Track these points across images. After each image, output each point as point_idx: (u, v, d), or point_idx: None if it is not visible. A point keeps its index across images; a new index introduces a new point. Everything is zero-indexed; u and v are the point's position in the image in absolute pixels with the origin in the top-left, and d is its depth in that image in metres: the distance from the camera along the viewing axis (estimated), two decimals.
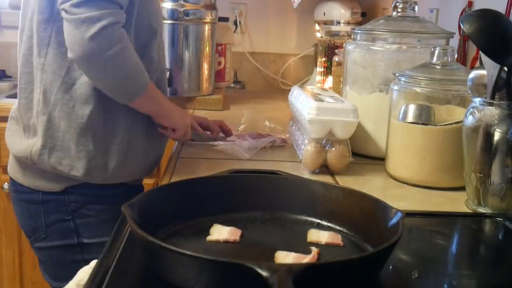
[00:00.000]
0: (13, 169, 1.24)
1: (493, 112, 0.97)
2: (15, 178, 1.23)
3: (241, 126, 1.57)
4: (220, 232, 0.80)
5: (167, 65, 1.86)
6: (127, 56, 1.07)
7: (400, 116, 1.15)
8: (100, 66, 1.06)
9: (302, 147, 1.22)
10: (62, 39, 1.09)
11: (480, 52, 0.98)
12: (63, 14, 1.04)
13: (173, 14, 1.86)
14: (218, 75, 2.15)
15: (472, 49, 1.48)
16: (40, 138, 1.15)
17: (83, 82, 1.13)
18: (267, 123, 1.60)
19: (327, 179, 1.16)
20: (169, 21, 1.86)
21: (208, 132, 1.43)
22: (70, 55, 1.06)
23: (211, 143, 1.38)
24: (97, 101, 1.14)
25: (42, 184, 1.19)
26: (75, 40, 1.02)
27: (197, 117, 1.45)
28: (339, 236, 0.81)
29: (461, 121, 1.03)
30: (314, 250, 0.76)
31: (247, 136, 1.43)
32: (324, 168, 1.21)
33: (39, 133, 1.15)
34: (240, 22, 2.53)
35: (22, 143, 1.19)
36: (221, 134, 1.45)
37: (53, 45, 1.13)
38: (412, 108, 1.14)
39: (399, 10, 1.31)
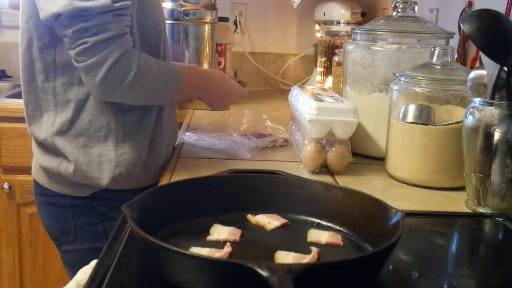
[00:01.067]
0: (38, 174, 1.25)
1: (493, 112, 0.97)
2: (41, 183, 1.24)
3: (244, 126, 1.57)
4: (220, 232, 0.80)
5: None
6: (142, 78, 1.09)
7: (400, 116, 1.15)
8: (121, 97, 1.11)
9: (302, 147, 1.22)
10: (66, 60, 1.12)
11: (480, 52, 0.98)
12: (73, 61, 1.08)
13: (173, 14, 1.86)
14: None
15: (472, 49, 1.48)
16: (63, 158, 1.18)
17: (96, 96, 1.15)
18: (268, 122, 1.60)
19: (327, 179, 1.16)
20: (169, 21, 1.86)
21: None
22: (92, 94, 1.13)
23: (213, 142, 1.38)
24: (113, 112, 1.16)
25: (69, 190, 1.20)
26: (89, 84, 1.09)
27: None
28: (339, 236, 0.81)
29: (461, 121, 1.03)
30: (314, 250, 0.76)
31: (250, 135, 1.43)
32: (324, 168, 1.21)
33: (61, 153, 1.17)
34: (240, 22, 2.53)
35: (48, 161, 1.20)
36: (224, 134, 1.45)
37: (59, 68, 1.14)
38: (412, 108, 1.14)
39: (399, 10, 1.31)
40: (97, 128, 1.16)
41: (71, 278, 1.25)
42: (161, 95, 1.17)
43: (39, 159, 1.23)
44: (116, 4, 1.05)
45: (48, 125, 1.18)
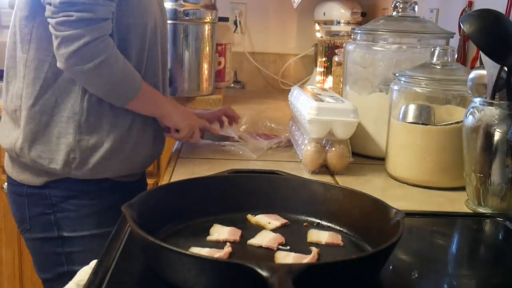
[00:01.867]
0: (6, 162, 1.29)
1: (493, 112, 0.97)
2: (7, 172, 1.28)
3: (242, 127, 1.57)
4: (220, 232, 0.80)
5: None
6: (110, 66, 1.10)
7: (400, 116, 1.15)
8: (84, 77, 1.12)
9: (302, 147, 1.22)
10: (43, 35, 1.13)
11: (480, 52, 0.98)
12: (50, 28, 1.09)
13: (173, 14, 1.86)
14: (218, 75, 2.15)
15: (472, 49, 1.48)
16: (22, 132, 1.18)
17: (65, 78, 1.15)
18: (267, 123, 1.60)
19: (327, 179, 1.16)
20: (169, 21, 1.86)
21: (219, 129, 1.44)
22: (58, 64, 1.11)
23: (217, 143, 1.38)
24: (80, 96, 1.16)
25: (26, 178, 1.22)
26: (60, 54, 1.09)
27: (199, 113, 1.44)
28: (339, 236, 0.81)
29: (461, 121, 1.03)
30: (314, 250, 0.76)
31: (255, 135, 1.43)
32: (324, 168, 1.21)
33: (21, 127, 1.18)
34: (240, 22, 2.53)
35: (9, 135, 1.22)
36: (231, 134, 1.45)
37: (34, 41, 1.16)
38: (412, 108, 1.14)
39: (399, 10, 1.31)
40: (61, 109, 1.16)
41: (34, 265, 1.31)
42: (119, 92, 1.15)
43: (2, 141, 1.25)
44: None
45: (16, 96, 1.19)
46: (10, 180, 1.27)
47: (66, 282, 1.09)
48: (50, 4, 1.08)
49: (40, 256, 1.28)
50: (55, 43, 1.09)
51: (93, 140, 1.18)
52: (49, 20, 1.09)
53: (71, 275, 1.11)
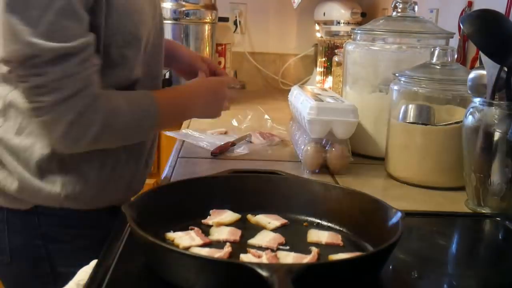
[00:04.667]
0: None
1: (493, 112, 0.97)
2: None
3: (244, 125, 1.57)
4: (220, 232, 0.80)
5: None
6: (111, 125, 0.93)
7: (400, 116, 1.15)
8: (90, 148, 0.95)
9: (302, 147, 1.22)
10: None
11: (480, 52, 0.98)
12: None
13: (173, 14, 1.86)
14: None
15: (472, 49, 1.48)
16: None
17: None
18: (270, 122, 1.61)
19: (327, 179, 1.16)
20: (169, 21, 1.86)
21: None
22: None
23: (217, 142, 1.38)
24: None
25: (5, 201, 1.00)
26: (49, 138, 0.94)
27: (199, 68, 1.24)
28: (339, 236, 0.81)
29: (461, 121, 1.03)
30: (314, 250, 0.76)
31: (258, 134, 1.45)
32: (324, 168, 1.21)
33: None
34: (240, 22, 2.53)
35: None
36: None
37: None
38: (412, 108, 1.13)
39: (399, 10, 1.31)
40: (41, 145, 0.97)
41: None
42: (138, 133, 1.00)
43: None
44: (74, 45, 0.87)
45: None
46: None
47: None
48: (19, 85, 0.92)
49: None
50: (40, 128, 0.94)
51: (84, 174, 0.99)
52: (25, 104, 0.93)
53: None
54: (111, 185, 1.03)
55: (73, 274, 0.88)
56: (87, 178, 0.99)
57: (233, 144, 1.38)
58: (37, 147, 0.96)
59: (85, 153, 0.96)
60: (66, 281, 0.87)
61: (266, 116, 1.67)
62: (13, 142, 0.97)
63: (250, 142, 1.44)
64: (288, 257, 0.74)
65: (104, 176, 1.01)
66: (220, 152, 1.32)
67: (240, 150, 1.36)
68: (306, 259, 0.73)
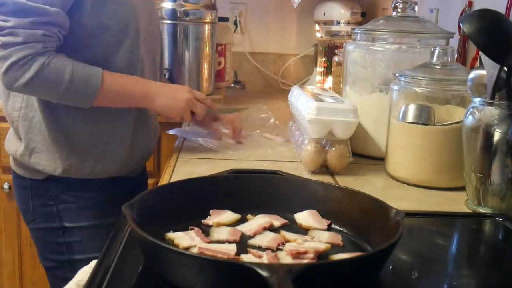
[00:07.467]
0: (11, 159, 1.34)
1: (493, 112, 0.97)
2: (12, 166, 1.33)
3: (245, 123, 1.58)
4: (220, 232, 0.80)
5: (167, 65, 1.86)
6: (44, 79, 1.12)
7: (400, 116, 1.15)
8: (24, 92, 1.17)
9: (302, 147, 1.22)
10: None
11: (480, 52, 0.98)
12: None
13: (173, 14, 1.86)
14: (218, 75, 2.15)
15: (472, 49, 1.48)
16: (23, 142, 1.24)
17: None
18: (272, 120, 1.61)
19: (327, 179, 1.16)
20: (169, 21, 1.86)
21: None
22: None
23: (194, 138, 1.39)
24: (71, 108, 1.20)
25: (27, 173, 1.28)
26: None
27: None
28: (339, 236, 0.81)
29: (461, 121, 1.03)
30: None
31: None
32: (324, 168, 1.21)
33: (22, 138, 1.24)
34: (240, 22, 2.53)
35: (11, 141, 1.29)
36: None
37: None
38: (412, 108, 1.13)
39: (399, 10, 1.31)
40: (50, 122, 1.21)
41: (37, 253, 1.36)
42: (74, 96, 1.16)
43: (6, 146, 1.32)
44: (30, 4, 1.08)
45: (14, 109, 1.24)
46: (14, 174, 1.33)
47: (67, 271, 1.25)
48: None
49: (43, 245, 1.33)
50: None
51: (86, 146, 1.24)
52: None
53: (71, 263, 1.28)
54: (107, 159, 1.26)
55: (76, 228, 1.27)
56: (87, 153, 1.23)
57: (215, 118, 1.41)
58: (45, 125, 1.21)
59: (86, 132, 1.22)
60: (72, 235, 1.28)
61: (269, 113, 1.67)
62: (34, 120, 1.22)
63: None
64: (288, 257, 0.74)
65: (101, 152, 1.25)
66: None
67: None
68: (306, 259, 0.73)
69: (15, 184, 1.34)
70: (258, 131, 1.54)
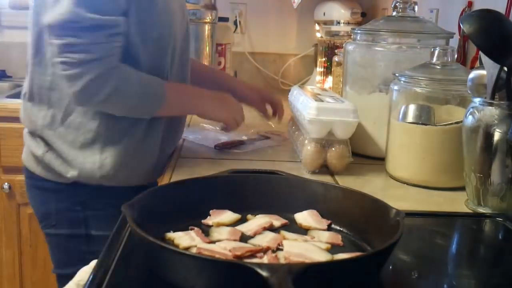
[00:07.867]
0: (26, 157, 1.28)
1: (493, 112, 0.97)
2: (28, 167, 1.28)
3: (251, 130, 1.58)
4: (220, 232, 0.80)
5: None
6: (120, 94, 1.12)
7: (400, 116, 1.15)
8: (100, 108, 1.16)
9: (302, 147, 1.22)
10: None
11: (480, 52, 0.98)
12: (56, 67, 1.11)
13: None
14: None
15: (472, 49, 1.48)
16: (48, 147, 1.21)
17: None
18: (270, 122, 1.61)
19: (327, 179, 1.16)
20: None
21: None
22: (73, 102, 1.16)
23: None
24: (103, 117, 1.18)
25: (54, 176, 1.22)
26: (69, 90, 1.12)
27: (241, 92, 1.44)
28: (339, 236, 0.81)
29: (461, 121, 1.03)
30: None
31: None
32: (324, 168, 1.21)
33: (47, 143, 1.21)
34: (240, 22, 2.53)
35: (35, 144, 1.24)
36: (242, 138, 1.45)
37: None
38: (412, 108, 1.13)
39: (399, 10, 1.31)
40: (86, 130, 1.18)
41: (52, 260, 1.31)
42: (142, 109, 1.18)
43: (27, 144, 1.27)
44: (105, 18, 1.07)
45: (38, 117, 1.21)
46: (32, 175, 1.27)
47: None
48: (52, 44, 1.10)
49: (62, 252, 1.29)
50: (63, 81, 1.12)
51: (117, 156, 1.20)
52: (54, 59, 1.11)
53: None
54: (137, 169, 1.23)
55: (102, 237, 1.09)
56: (119, 163, 1.20)
57: (240, 142, 1.40)
58: (80, 132, 1.18)
59: (118, 141, 1.19)
60: (96, 244, 1.15)
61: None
62: (60, 128, 1.19)
63: (267, 138, 1.46)
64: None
65: (132, 162, 1.22)
66: (223, 147, 1.36)
67: (243, 148, 1.37)
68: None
69: (33, 185, 1.29)
70: (252, 131, 1.54)
